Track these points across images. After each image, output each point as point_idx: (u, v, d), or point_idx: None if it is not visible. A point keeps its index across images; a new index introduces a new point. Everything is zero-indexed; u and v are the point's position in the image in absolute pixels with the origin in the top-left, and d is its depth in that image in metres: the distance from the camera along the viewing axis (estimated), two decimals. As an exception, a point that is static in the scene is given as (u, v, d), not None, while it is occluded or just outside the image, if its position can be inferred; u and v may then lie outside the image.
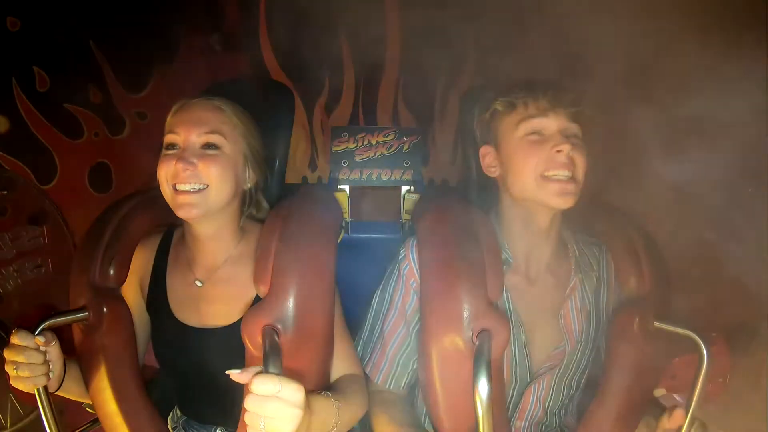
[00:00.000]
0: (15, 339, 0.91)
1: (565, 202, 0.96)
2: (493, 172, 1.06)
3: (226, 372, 0.75)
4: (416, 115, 2.08)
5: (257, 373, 0.74)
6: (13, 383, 0.92)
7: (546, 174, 0.96)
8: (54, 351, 0.95)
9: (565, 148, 0.95)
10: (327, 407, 0.89)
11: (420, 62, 1.96)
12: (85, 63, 1.65)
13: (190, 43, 1.87)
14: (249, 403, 0.73)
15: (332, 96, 2.06)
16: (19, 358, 0.90)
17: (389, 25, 1.97)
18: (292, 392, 0.73)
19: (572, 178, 0.96)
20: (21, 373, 0.90)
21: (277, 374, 0.75)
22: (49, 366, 0.94)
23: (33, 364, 0.91)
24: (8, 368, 0.91)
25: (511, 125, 1.01)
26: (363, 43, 1.91)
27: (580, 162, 0.97)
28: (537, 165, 0.96)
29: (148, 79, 1.80)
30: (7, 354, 0.91)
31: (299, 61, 1.95)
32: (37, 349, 0.92)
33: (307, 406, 0.77)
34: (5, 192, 1.42)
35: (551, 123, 0.98)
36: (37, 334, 0.92)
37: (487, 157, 1.07)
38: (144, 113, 1.78)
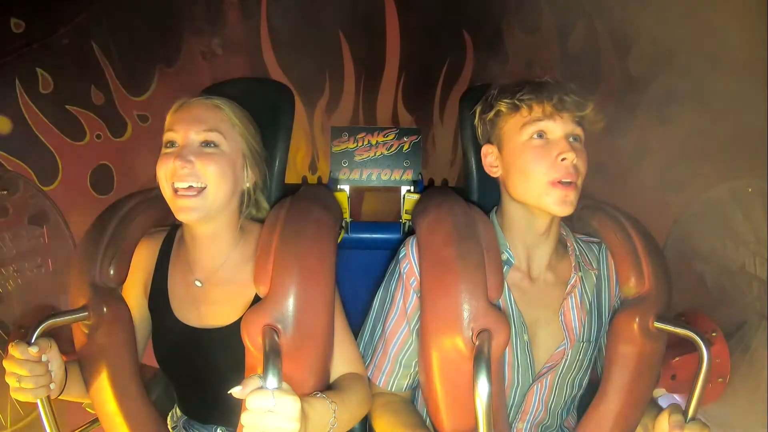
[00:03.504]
0: (15, 352, 0.88)
1: (564, 210, 0.96)
2: (495, 172, 1.06)
3: (229, 392, 0.75)
4: (416, 115, 2.08)
5: (254, 389, 0.74)
6: (14, 395, 0.91)
7: (549, 181, 0.95)
8: (54, 359, 0.94)
9: (570, 156, 0.94)
10: (322, 409, 0.89)
11: (420, 62, 1.96)
12: (88, 65, 1.65)
13: (191, 46, 1.87)
14: (245, 418, 0.73)
15: (332, 96, 2.06)
16: (22, 372, 0.89)
17: (389, 25, 1.97)
18: (287, 406, 0.74)
19: (574, 186, 0.96)
20: (24, 386, 0.89)
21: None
22: (50, 376, 0.93)
23: (36, 376, 0.90)
24: (9, 380, 0.90)
25: (516, 127, 1.00)
26: (363, 44, 1.91)
27: (582, 168, 0.97)
28: (541, 171, 0.96)
29: (149, 81, 1.81)
30: (8, 366, 0.89)
31: (300, 63, 1.95)
32: (39, 360, 0.91)
33: (304, 414, 0.77)
34: (5, 192, 1.42)
35: (557, 127, 0.97)
36: (35, 339, 0.91)
37: (489, 156, 1.06)
38: (145, 116, 1.78)
